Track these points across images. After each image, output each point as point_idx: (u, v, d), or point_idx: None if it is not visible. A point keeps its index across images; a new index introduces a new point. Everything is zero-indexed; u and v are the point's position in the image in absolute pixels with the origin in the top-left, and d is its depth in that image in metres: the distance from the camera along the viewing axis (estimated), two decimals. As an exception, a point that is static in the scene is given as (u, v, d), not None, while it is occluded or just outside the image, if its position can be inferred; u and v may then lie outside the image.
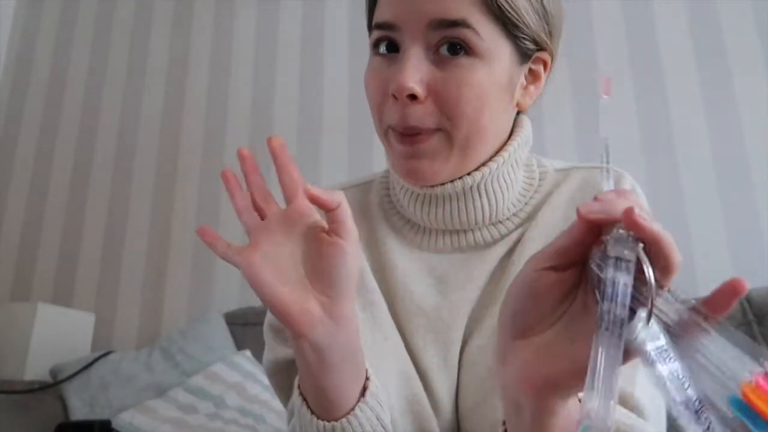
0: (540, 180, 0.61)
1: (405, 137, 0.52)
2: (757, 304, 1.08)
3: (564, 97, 1.46)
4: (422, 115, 0.51)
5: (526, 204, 0.60)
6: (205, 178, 1.74)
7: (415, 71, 0.50)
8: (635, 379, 0.50)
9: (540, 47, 0.56)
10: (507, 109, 0.56)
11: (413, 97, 0.50)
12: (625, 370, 0.49)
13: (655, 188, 1.34)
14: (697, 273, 1.26)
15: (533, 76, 0.58)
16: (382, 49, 0.54)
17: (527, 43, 0.54)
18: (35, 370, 1.45)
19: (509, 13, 0.52)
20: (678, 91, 1.40)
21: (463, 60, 0.51)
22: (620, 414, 0.48)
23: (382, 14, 0.54)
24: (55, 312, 1.56)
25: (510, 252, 0.58)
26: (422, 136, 0.52)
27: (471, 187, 0.56)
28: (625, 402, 0.49)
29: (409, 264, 0.59)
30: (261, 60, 1.79)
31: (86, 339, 1.62)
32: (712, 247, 1.29)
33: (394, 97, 0.51)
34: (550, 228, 0.58)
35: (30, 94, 2.06)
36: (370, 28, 0.58)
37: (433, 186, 0.55)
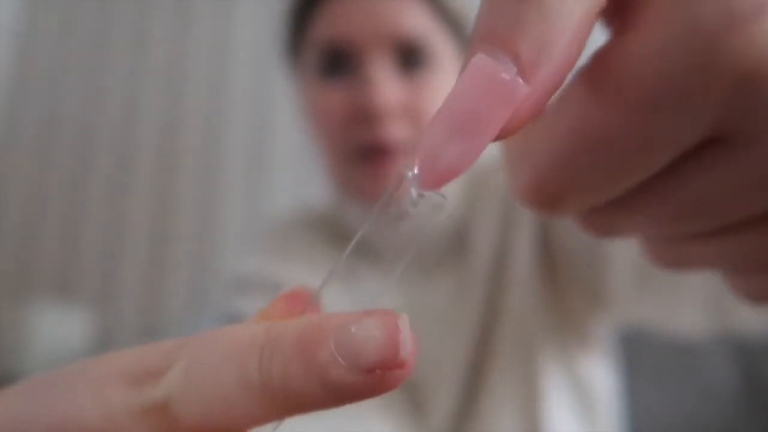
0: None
1: (377, 157, 0.50)
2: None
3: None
4: (396, 129, 0.50)
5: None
6: (205, 178, 1.74)
7: (390, 84, 0.48)
8: None
9: None
10: None
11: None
12: None
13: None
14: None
15: None
16: (329, 70, 0.51)
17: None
18: (35, 370, 1.45)
19: (462, 21, 0.52)
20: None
21: (428, 70, 0.50)
22: None
23: (331, 30, 0.51)
24: (55, 311, 1.56)
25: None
26: (395, 155, 0.50)
27: None
28: None
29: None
30: (261, 56, 1.78)
31: (86, 338, 1.61)
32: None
33: (360, 117, 0.49)
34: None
35: (30, 91, 2.06)
36: (293, 43, 0.57)
37: None
